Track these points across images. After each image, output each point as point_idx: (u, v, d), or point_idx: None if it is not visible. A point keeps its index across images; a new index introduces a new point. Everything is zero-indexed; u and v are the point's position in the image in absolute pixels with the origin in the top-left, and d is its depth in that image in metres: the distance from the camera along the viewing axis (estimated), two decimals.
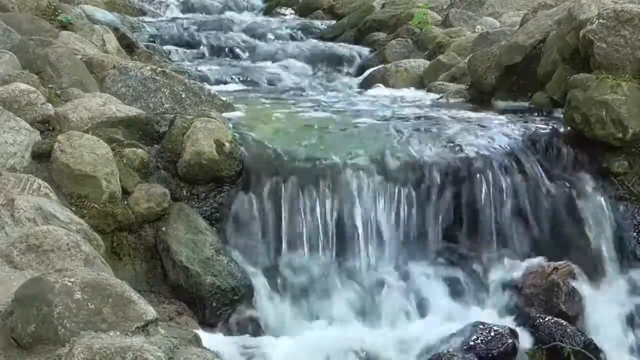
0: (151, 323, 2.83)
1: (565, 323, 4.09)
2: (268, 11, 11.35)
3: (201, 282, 4.03)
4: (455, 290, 4.41)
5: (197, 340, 3.15)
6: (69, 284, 2.77)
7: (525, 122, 5.11)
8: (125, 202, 4.17)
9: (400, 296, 4.31)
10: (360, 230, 4.43)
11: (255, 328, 4.07)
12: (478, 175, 4.62)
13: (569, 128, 4.89)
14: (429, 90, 6.51)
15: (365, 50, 8.67)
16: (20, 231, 3.38)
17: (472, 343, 3.90)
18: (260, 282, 4.22)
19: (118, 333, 2.71)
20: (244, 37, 9.01)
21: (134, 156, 4.33)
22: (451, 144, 4.76)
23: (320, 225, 4.39)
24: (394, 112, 5.52)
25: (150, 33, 8.63)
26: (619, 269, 4.57)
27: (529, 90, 5.70)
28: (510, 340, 3.93)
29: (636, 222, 4.65)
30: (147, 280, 4.12)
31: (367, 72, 7.73)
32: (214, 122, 4.52)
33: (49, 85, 4.83)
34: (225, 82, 7.46)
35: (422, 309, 4.29)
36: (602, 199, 4.68)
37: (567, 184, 4.72)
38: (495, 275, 4.50)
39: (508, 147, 4.78)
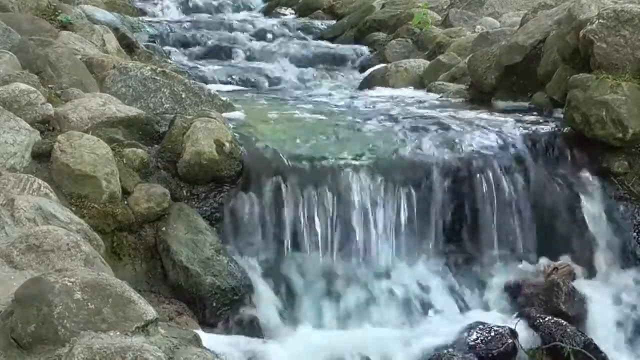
0: (151, 323, 2.83)
1: (565, 323, 4.10)
2: (268, 11, 11.35)
3: (201, 282, 4.03)
4: (455, 290, 4.41)
5: (197, 340, 3.15)
6: (69, 284, 2.77)
7: (525, 122, 5.11)
8: (125, 202, 4.17)
9: (400, 296, 4.31)
10: (360, 230, 4.43)
11: (255, 328, 4.07)
12: (478, 175, 4.62)
13: (569, 128, 4.88)
14: (429, 90, 6.52)
15: (365, 50, 8.68)
16: (20, 231, 3.38)
17: (472, 343, 3.90)
18: (260, 282, 4.22)
19: (118, 333, 2.71)
20: (244, 37, 9.01)
21: (134, 156, 4.33)
22: (451, 144, 4.76)
23: (320, 225, 4.39)
24: (394, 112, 5.51)
25: (150, 33, 8.62)
26: (619, 269, 4.58)
27: (529, 90, 5.70)
28: (510, 340, 3.93)
29: (636, 222, 4.65)
30: (147, 280, 4.12)
31: (367, 72, 7.73)
32: (214, 122, 4.52)
33: (49, 85, 4.83)
34: (225, 82, 7.47)
35: (422, 309, 4.29)
36: (602, 199, 4.68)
37: (567, 184, 4.72)
38: (496, 275, 4.50)
39: (508, 147, 4.78)
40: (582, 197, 4.69)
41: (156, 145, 4.53)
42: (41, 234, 3.26)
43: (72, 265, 3.15)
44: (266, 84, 7.64)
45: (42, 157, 4.11)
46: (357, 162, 4.55)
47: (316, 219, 4.39)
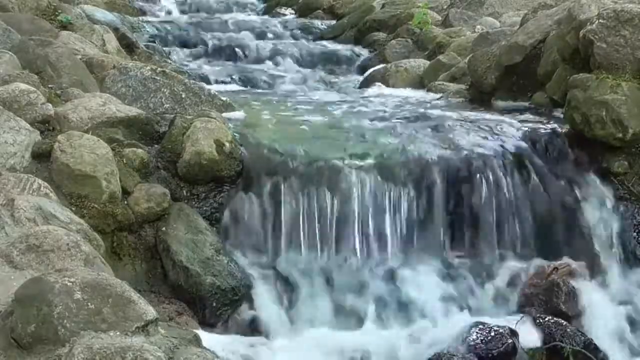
0: (151, 323, 2.83)
1: (565, 323, 4.10)
2: (268, 11, 11.35)
3: (201, 282, 4.03)
4: (455, 290, 4.40)
5: (197, 340, 3.15)
6: (69, 284, 2.77)
7: (525, 122, 5.11)
8: (125, 202, 4.17)
9: (400, 296, 4.31)
10: (359, 231, 4.43)
11: (255, 328, 4.07)
12: (478, 175, 4.62)
13: (569, 128, 4.88)
14: (429, 90, 6.51)
15: (365, 50, 8.68)
16: (20, 231, 3.38)
17: (472, 343, 3.90)
18: (260, 282, 4.22)
19: (118, 333, 2.71)
20: (244, 37, 9.01)
21: (134, 156, 4.33)
22: (451, 144, 4.75)
23: (320, 225, 4.39)
24: (394, 112, 5.52)
25: (150, 33, 8.62)
26: (619, 269, 4.57)
27: (529, 90, 5.70)
28: (510, 340, 3.93)
29: (636, 222, 4.65)
30: (147, 280, 4.12)
31: (367, 72, 7.73)
32: (214, 122, 4.52)
33: (49, 85, 4.83)
34: (225, 82, 7.47)
35: (422, 308, 4.28)
36: (602, 199, 4.68)
37: (567, 184, 4.72)
38: (496, 275, 4.50)
39: (508, 147, 4.78)
40: (582, 197, 4.68)
41: (156, 145, 4.53)
42: (41, 234, 3.26)
43: (72, 265, 3.15)
44: (266, 84, 7.64)
45: (42, 157, 4.12)
46: (356, 162, 4.54)
47: (316, 218, 4.39)
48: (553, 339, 3.99)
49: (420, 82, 6.97)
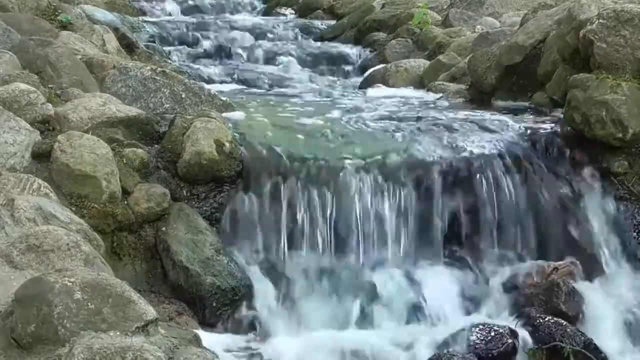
0: (151, 323, 2.83)
1: (565, 323, 4.09)
2: (268, 11, 11.35)
3: (201, 282, 4.03)
4: (455, 290, 4.40)
5: (197, 340, 3.15)
6: (69, 284, 2.77)
7: (525, 122, 5.11)
8: (125, 202, 4.17)
9: (400, 296, 4.31)
10: (360, 231, 4.43)
11: (255, 328, 4.07)
12: (478, 175, 4.62)
13: (569, 128, 4.88)
14: (429, 90, 6.51)
15: (365, 50, 8.67)
16: (20, 231, 3.38)
17: (472, 343, 3.90)
18: (260, 282, 4.22)
19: (118, 333, 2.71)
20: (244, 37, 9.01)
21: (134, 156, 4.33)
22: (451, 144, 4.75)
23: (320, 225, 4.39)
24: (394, 112, 5.51)
25: (150, 33, 8.62)
26: (619, 269, 4.57)
27: (529, 90, 5.70)
28: (510, 340, 3.93)
29: (636, 222, 4.65)
30: (147, 280, 4.12)
31: (367, 72, 7.73)
32: (214, 122, 4.52)
33: (49, 85, 4.83)
34: (225, 82, 7.46)
35: (422, 309, 4.28)
36: (602, 199, 4.68)
37: (567, 184, 4.72)
38: (496, 275, 4.50)
39: (508, 147, 4.78)
40: (582, 197, 4.68)
41: (156, 145, 4.53)
42: (41, 234, 3.26)
43: (72, 265, 3.15)
44: (266, 84, 7.64)
45: (42, 157, 4.12)
46: (356, 162, 4.54)
47: (316, 219, 4.39)
48: (553, 339, 3.99)
49: (420, 82, 6.97)
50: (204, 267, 4.06)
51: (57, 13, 6.70)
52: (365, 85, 7.33)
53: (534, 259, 4.57)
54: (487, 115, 5.30)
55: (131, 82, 5.20)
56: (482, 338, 3.92)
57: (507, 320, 4.16)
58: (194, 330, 3.44)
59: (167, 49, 8.26)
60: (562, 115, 5.00)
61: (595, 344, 4.05)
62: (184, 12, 10.75)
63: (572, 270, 4.46)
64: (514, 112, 5.41)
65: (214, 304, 4.02)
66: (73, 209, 3.91)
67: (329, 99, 6.20)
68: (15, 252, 3.21)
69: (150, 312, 2.85)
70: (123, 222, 4.10)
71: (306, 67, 8.30)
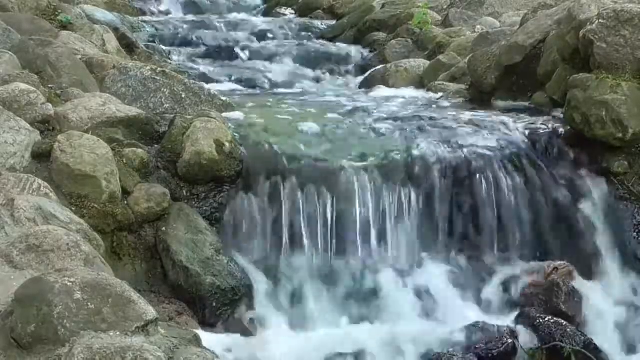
0: (151, 323, 2.83)
1: (565, 323, 4.10)
2: (268, 11, 11.35)
3: (201, 282, 4.03)
4: (455, 290, 4.40)
5: (197, 340, 3.15)
6: (69, 284, 2.77)
7: (525, 122, 5.11)
8: (125, 202, 4.17)
9: (400, 296, 4.31)
10: (360, 230, 4.43)
11: (255, 328, 4.07)
12: (478, 175, 4.62)
13: (569, 128, 4.88)
14: (429, 90, 6.51)
15: (365, 51, 8.67)
16: (20, 231, 3.38)
17: (472, 343, 3.90)
18: (260, 282, 4.22)
19: (118, 333, 2.71)
20: (244, 37, 9.00)
21: (134, 156, 4.33)
22: (451, 144, 4.76)
23: (320, 225, 4.40)
24: (394, 112, 5.51)
25: (150, 33, 8.62)
26: (619, 269, 4.57)
27: (529, 90, 5.70)
28: (510, 340, 3.93)
29: (636, 222, 4.64)
30: (147, 280, 4.12)
31: (367, 72, 7.72)
32: (214, 122, 4.52)
33: (49, 85, 4.83)
34: (225, 82, 7.46)
35: (422, 309, 4.29)
36: (602, 199, 4.68)
37: (567, 184, 4.72)
38: (496, 275, 4.50)
39: (508, 147, 4.78)
40: (582, 197, 4.69)
41: (156, 145, 4.53)
42: (41, 234, 3.26)
43: (72, 265, 3.15)
44: (266, 84, 7.63)
45: (42, 157, 4.12)
46: (356, 162, 4.55)
47: (316, 218, 4.40)
48: (553, 339, 3.99)
49: (420, 82, 6.97)
50: (204, 267, 4.06)
51: (57, 13, 6.70)
52: (365, 85, 7.33)
53: (534, 259, 4.57)
54: (487, 115, 5.30)
55: (131, 82, 5.20)
56: (482, 338, 3.92)
57: (507, 320, 4.16)
58: (194, 330, 3.44)
59: (167, 49, 8.25)
60: (562, 115, 5.00)
61: (595, 344, 4.05)
62: (184, 12, 10.75)
63: (572, 270, 4.47)
64: (514, 112, 5.41)
65: (214, 304, 4.02)
66: (73, 209, 3.91)
67: (329, 99, 6.20)
68: (15, 252, 3.21)
69: (150, 312, 2.85)
70: (123, 222, 4.10)
71: (306, 67, 8.29)
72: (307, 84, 7.69)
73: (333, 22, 9.95)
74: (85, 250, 3.28)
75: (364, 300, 4.28)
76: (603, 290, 4.47)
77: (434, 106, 5.80)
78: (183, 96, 5.18)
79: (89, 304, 2.74)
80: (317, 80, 7.94)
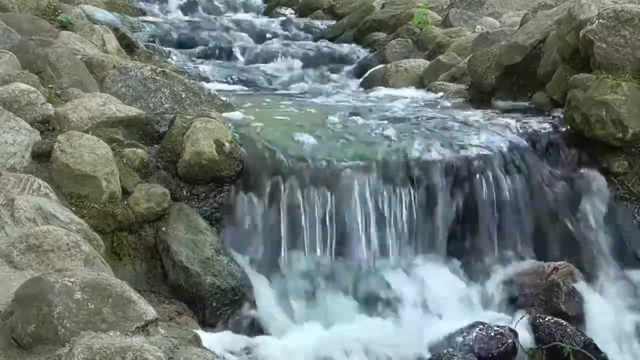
0: (151, 323, 2.83)
1: (565, 323, 4.09)
2: (268, 11, 11.35)
3: (201, 282, 4.03)
4: (455, 290, 4.40)
5: (197, 340, 3.15)
6: (69, 284, 2.77)
7: (525, 122, 5.11)
8: (125, 202, 4.17)
9: (400, 296, 4.31)
10: (359, 231, 4.43)
11: (255, 328, 4.07)
12: (478, 175, 4.63)
13: (569, 128, 4.89)
14: (429, 90, 6.51)
15: (365, 51, 8.67)
16: (20, 231, 3.38)
17: (472, 343, 3.90)
18: (260, 282, 4.22)
19: (118, 333, 2.71)
20: (244, 37, 9.01)
21: (134, 156, 4.33)
22: (451, 144, 4.76)
23: (320, 225, 4.40)
24: (394, 112, 5.52)
25: (150, 33, 8.62)
26: (619, 269, 4.58)
27: (529, 90, 5.70)
28: (510, 340, 3.93)
29: (636, 222, 4.65)
30: (147, 280, 4.12)
31: (367, 72, 7.73)
32: (213, 122, 4.52)
33: (49, 85, 4.83)
34: (225, 82, 7.46)
35: (422, 309, 4.29)
36: (602, 199, 4.68)
37: (567, 184, 4.72)
38: (496, 275, 4.50)
39: (508, 147, 4.78)
40: (582, 197, 4.69)
41: (156, 145, 4.53)
42: (41, 234, 3.26)
43: (72, 265, 3.15)
44: (266, 84, 7.64)
45: (42, 157, 4.12)
46: (356, 163, 4.55)
47: (316, 218, 4.40)
48: (553, 339, 3.99)
49: (420, 82, 6.97)
50: (204, 267, 4.06)
51: (57, 13, 6.70)
52: (365, 85, 7.33)
53: (534, 259, 4.57)
54: (487, 115, 5.31)
55: (131, 82, 5.20)
56: (482, 338, 3.92)
57: (507, 320, 4.16)
58: (194, 330, 3.44)
59: (167, 49, 8.26)
60: (562, 115, 5.00)
61: (595, 344, 4.05)
62: (184, 12, 10.75)
63: (572, 270, 4.46)
64: (514, 112, 5.41)
65: (214, 304, 4.02)
66: (73, 209, 3.91)
67: (328, 99, 6.20)
68: (15, 252, 3.21)
69: (150, 312, 2.85)
70: (123, 222, 4.10)
71: (306, 67, 8.29)
72: (307, 84, 7.69)
73: (333, 22, 9.96)
74: (85, 250, 3.28)
75: (363, 300, 4.28)
76: (603, 290, 4.47)
77: (434, 106, 5.80)
78: (183, 96, 5.18)
79: (89, 304, 2.74)
80: (317, 80, 7.94)
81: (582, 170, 4.77)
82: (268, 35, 9.22)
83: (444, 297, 4.35)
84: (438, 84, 6.58)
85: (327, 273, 4.34)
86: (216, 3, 11.23)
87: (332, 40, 9.26)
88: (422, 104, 5.93)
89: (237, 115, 5.12)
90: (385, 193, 4.50)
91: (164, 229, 4.17)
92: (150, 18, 9.65)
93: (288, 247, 4.37)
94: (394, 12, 9.14)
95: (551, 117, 5.20)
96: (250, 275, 4.21)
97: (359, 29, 9.23)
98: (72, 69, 5.10)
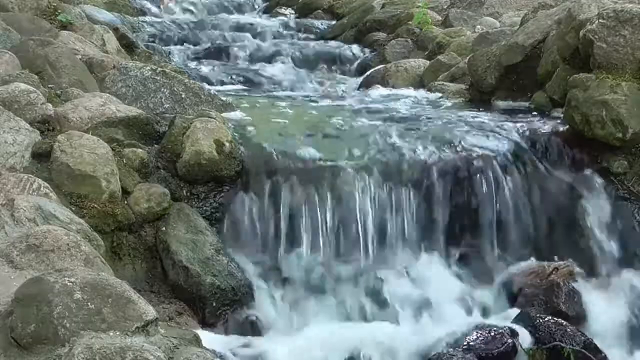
0: (151, 323, 2.83)
1: (565, 323, 4.09)
2: (268, 11, 11.35)
3: (201, 282, 4.03)
4: (455, 290, 4.40)
5: (197, 340, 3.15)
6: (69, 284, 2.77)
7: (525, 122, 5.11)
8: (125, 202, 4.17)
9: (400, 296, 4.31)
10: (359, 230, 4.43)
11: (255, 328, 4.07)
12: (478, 175, 4.63)
13: (568, 128, 4.89)
14: (429, 90, 6.51)
15: (365, 50, 8.67)
16: (20, 231, 3.38)
17: (472, 343, 3.90)
18: (260, 282, 4.22)
19: (118, 333, 2.71)
20: (244, 37, 9.00)
21: (134, 156, 4.33)
22: (451, 144, 4.76)
23: (320, 225, 4.39)
24: (394, 111, 5.52)
25: (150, 33, 8.62)
26: (619, 269, 4.57)
27: (529, 90, 5.71)
28: (510, 340, 3.93)
29: (636, 222, 4.64)
30: (147, 280, 4.12)
31: (367, 72, 7.72)
32: (213, 122, 4.52)
33: (49, 85, 4.83)
34: (225, 82, 7.46)
35: (422, 308, 4.28)
36: (601, 199, 4.68)
37: (567, 183, 4.72)
38: (496, 275, 4.50)
39: (508, 147, 4.78)
40: (582, 197, 4.68)
41: (156, 145, 4.53)
42: (41, 234, 3.26)
43: (72, 265, 3.15)
44: (266, 84, 7.64)
45: (42, 157, 4.12)
46: (356, 162, 4.55)
47: (315, 218, 4.39)
48: (553, 339, 3.99)
49: (420, 82, 6.97)
50: (204, 267, 4.07)
51: (57, 13, 6.70)
52: (365, 85, 7.33)
53: (534, 259, 4.57)
54: (487, 115, 5.31)
55: (131, 82, 5.20)
56: (482, 338, 3.92)
57: (507, 320, 4.16)
58: (194, 330, 3.44)
59: (167, 49, 8.26)
60: (562, 115, 5.00)
61: (595, 344, 4.05)
62: (185, 12, 10.74)
63: (572, 270, 4.46)
64: (514, 112, 5.41)
65: (214, 304, 4.02)
66: (73, 208, 3.91)
67: (328, 99, 6.20)
68: (15, 252, 3.21)
69: (150, 312, 2.85)
70: (123, 222, 4.10)
71: (306, 67, 8.29)
72: (306, 84, 7.69)
73: (333, 22, 9.95)
74: (85, 250, 3.28)
75: (363, 300, 4.27)
76: (603, 290, 4.47)
77: (434, 106, 5.80)
78: (183, 96, 5.18)
79: (89, 303, 2.74)
80: (317, 80, 7.94)
81: (581, 170, 4.76)
82: (268, 35, 9.21)
83: (444, 297, 4.35)
84: (438, 83, 6.57)
85: (327, 272, 4.34)
86: (216, 3, 11.22)
87: (332, 40, 9.26)
88: (422, 104, 5.93)
89: (237, 115, 5.12)
90: (384, 193, 4.50)
91: (163, 228, 4.17)
92: (150, 18, 9.65)
93: (288, 246, 4.37)
94: (394, 12, 9.14)
95: (551, 117, 5.20)
96: (250, 275, 4.21)
97: (358, 29, 9.23)
98: (72, 69, 5.11)
